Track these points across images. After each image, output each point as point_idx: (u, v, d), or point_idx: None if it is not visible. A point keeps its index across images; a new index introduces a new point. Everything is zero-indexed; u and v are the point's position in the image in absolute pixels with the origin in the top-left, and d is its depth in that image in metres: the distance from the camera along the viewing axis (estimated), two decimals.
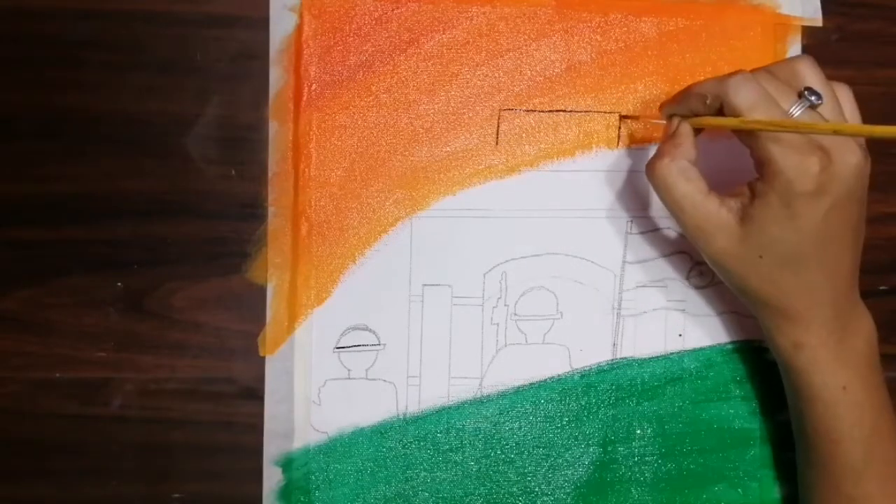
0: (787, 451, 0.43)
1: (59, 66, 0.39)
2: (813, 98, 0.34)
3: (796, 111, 0.34)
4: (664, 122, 0.39)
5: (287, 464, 0.40)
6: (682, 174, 0.36)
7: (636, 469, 0.43)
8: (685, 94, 0.37)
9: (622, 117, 0.42)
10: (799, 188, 0.34)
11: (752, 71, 0.36)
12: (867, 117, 0.39)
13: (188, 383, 0.40)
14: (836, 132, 0.33)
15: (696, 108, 0.37)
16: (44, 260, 0.39)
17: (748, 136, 0.35)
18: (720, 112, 0.36)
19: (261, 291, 0.40)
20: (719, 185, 0.37)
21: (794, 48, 0.43)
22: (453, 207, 0.41)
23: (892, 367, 0.44)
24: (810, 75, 0.35)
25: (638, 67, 0.42)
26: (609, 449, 0.42)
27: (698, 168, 0.37)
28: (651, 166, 0.37)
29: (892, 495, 0.37)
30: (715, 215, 0.36)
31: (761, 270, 0.36)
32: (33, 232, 0.39)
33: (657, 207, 0.43)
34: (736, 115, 0.34)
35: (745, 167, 0.37)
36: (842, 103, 0.36)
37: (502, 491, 0.42)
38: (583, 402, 0.42)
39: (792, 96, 0.35)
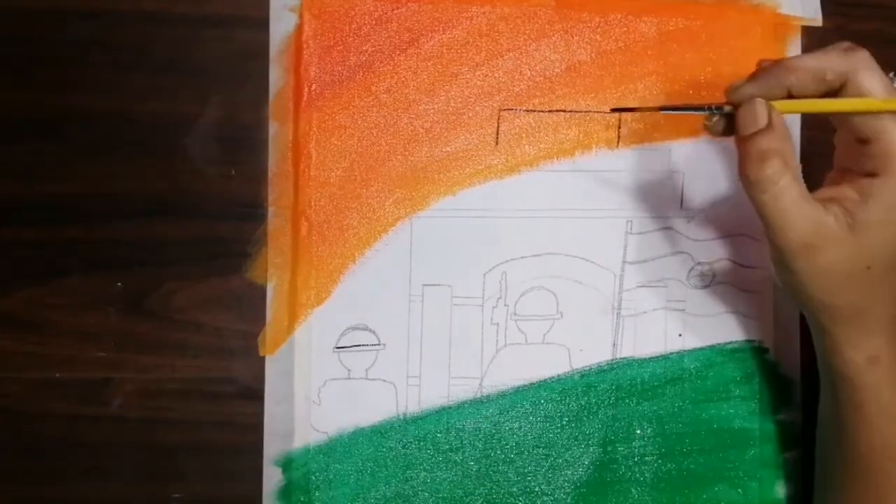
0: (787, 451, 0.43)
1: (59, 66, 0.39)
2: None
3: None
4: (662, 111, 0.36)
5: (287, 464, 0.40)
6: (795, 177, 0.31)
7: (636, 469, 0.43)
8: (781, 69, 0.32)
9: (613, 110, 0.39)
10: None
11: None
12: None
13: (188, 383, 0.40)
14: None
15: (802, 85, 0.31)
16: (44, 260, 0.39)
17: (873, 126, 0.31)
18: (831, 94, 0.31)
19: (261, 291, 0.40)
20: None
21: (794, 48, 0.43)
22: (453, 207, 0.41)
23: None
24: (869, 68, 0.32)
25: (638, 67, 0.42)
26: (609, 449, 0.42)
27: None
28: (758, 169, 0.31)
29: None
30: (824, 224, 0.31)
31: (864, 282, 0.32)
32: (33, 232, 0.39)
33: (657, 207, 0.43)
34: (862, 97, 0.30)
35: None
36: None
37: (502, 491, 0.42)
38: (583, 402, 0.42)
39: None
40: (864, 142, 0.31)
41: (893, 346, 0.34)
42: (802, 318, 0.43)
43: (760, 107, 0.31)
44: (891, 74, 0.31)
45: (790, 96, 0.32)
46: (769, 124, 0.31)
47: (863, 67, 0.30)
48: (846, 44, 0.31)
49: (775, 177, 0.31)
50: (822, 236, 0.31)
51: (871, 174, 0.31)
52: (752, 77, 0.33)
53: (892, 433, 0.35)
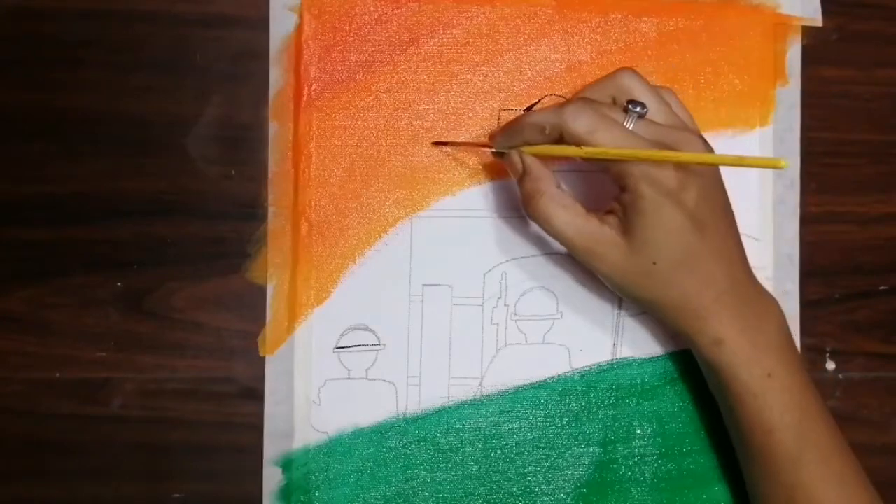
0: None
1: (59, 66, 0.39)
2: (638, 109, 0.35)
3: (629, 125, 0.35)
4: (486, 148, 0.39)
5: (287, 464, 0.40)
6: (558, 204, 0.37)
7: (636, 469, 0.43)
8: (517, 125, 0.37)
9: (435, 144, 0.41)
10: (663, 188, 0.35)
11: (577, 93, 0.37)
12: (867, 117, 0.39)
13: (188, 383, 0.40)
14: (671, 159, 0.34)
15: (532, 138, 0.37)
16: (44, 260, 0.39)
17: (598, 159, 0.35)
18: (559, 141, 0.36)
19: (261, 291, 0.40)
20: (593, 205, 0.37)
21: (794, 48, 0.43)
22: (453, 207, 0.41)
23: (893, 367, 0.44)
24: (634, 86, 0.37)
25: (638, 67, 0.42)
26: (609, 449, 0.42)
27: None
28: (528, 208, 0.37)
29: (830, 478, 0.37)
30: (599, 234, 0.36)
31: (659, 276, 0.36)
32: (33, 232, 0.39)
33: None
34: (577, 142, 0.35)
35: (606, 183, 0.37)
36: (671, 106, 0.37)
37: (502, 491, 0.42)
38: (583, 402, 0.42)
39: (619, 113, 0.36)
40: (605, 169, 0.36)
41: (731, 327, 0.37)
42: (802, 317, 0.43)
43: (515, 157, 0.38)
44: (628, 105, 0.35)
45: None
46: (524, 170, 0.37)
47: (570, 116, 0.35)
48: (573, 98, 0.37)
49: (540, 210, 0.37)
50: (600, 243, 0.36)
51: (622, 189, 0.36)
52: (502, 131, 0.39)
53: (759, 408, 0.37)
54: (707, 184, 0.36)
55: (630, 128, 0.35)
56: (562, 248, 0.41)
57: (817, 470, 0.37)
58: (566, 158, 0.39)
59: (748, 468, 0.39)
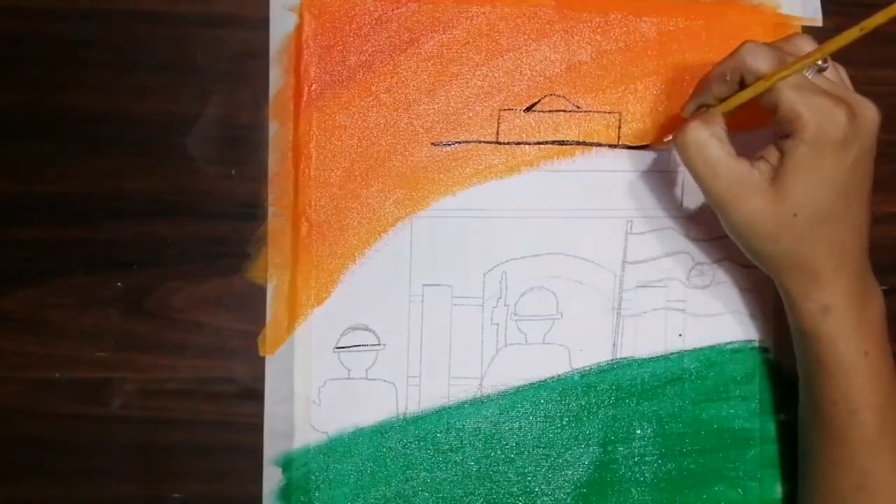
0: (787, 451, 0.43)
1: (59, 66, 0.39)
2: (820, 62, 0.35)
3: (808, 75, 0.35)
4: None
5: (287, 464, 0.40)
6: (715, 136, 0.36)
7: (636, 469, 0.43)
8: (703, 84, 0.38)
9: (630, 148, 0.42)
10: (830, 137, 0.34)
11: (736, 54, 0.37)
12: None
13: (188, 383, 0.40)
14: (862, 30, 0.34)
15: (720, 91, 0.37)
16: (44, 260, 0.39)
17: (775, 98, 0.35)
18: (741, 87, 0.36)
19: (261, 291, 0.40)
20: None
21: None
22: (453, 207, 0.41)
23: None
24: (812, 48, 0.37)
25: (638, 67, 0.42)
26: (609, 449, 0.42)
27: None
28: (682, 130, 0.37)
29: None
30: (748, 176, 0.36)
31: (794, 230, 0.36)
32: (33, 232, 0.39)
33: (657, 207, 0.43)
34: (759, 78, 0.35)
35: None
36: (841, 74, 0.38)
37: (502, 491, 0.42)
38: (583, 402, 0.42)
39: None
40: (773, 111, 0.36)
41: (842, 297, 0.37)
42: None
43: (691, 106, 0.39)
44: (820, 63, 0.36)
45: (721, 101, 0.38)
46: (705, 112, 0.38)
47: (747, 56, 0.36)
48: (745, 41, 0.37)
49: (696, 135, 0.36)
50: (745, 186, 0.36)
51: (785, 135, 0.35)
52: (692, 95, 0.39)
53: (849, 386, 0.37)
54: (866, 148, 0.35)
55: (809, 77, 0.35)
56: (562, 249, 0.41)
57: (893, 457, 0.37)
58: (745, 105, 0.38)
59: (819, 449, 0.39)
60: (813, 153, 0.35)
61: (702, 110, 0.38)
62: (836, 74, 0.37)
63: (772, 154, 0.36)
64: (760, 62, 0.35)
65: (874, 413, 0.37)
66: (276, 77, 0.40)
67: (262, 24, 0.40)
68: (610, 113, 0.42)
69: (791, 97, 0.35)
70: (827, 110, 0.34)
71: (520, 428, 0.42)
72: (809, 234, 0.36)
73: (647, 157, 0.43)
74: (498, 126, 0.42)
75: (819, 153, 0.35)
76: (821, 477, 0.39)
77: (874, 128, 0.35)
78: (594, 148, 0.42)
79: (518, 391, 0.42)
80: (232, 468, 0.40)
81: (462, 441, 0.42)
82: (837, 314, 0.37)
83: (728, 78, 0.36)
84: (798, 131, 0.35)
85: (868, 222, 0.38)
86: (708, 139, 0.36)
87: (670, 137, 0.41)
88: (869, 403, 0.37)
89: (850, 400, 0.37)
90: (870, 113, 0.35)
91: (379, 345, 0.41)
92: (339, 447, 0.41)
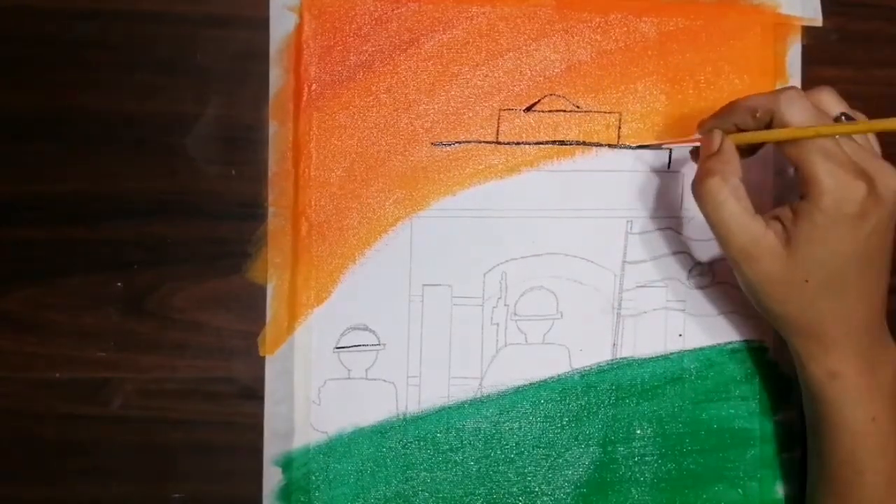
0: (787, 451, 0.43)
1: (60, 66, 0.39)
2: (845, 120, 0.35)
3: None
4: (692, 143, 0.39)
5: (287, 464, 0.40)
6: (734, 193, 0.35)
7: (636, 469, 0.43)
8: (731, 108, 0.37)
9: (638, 147, 0.42)
10: (845, 209, 0.34)
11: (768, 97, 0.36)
12: (867, 116, 0.39)
13: (188, 383, 0.40)
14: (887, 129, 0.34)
15: (743, 121, 0.36)
16: (44, 260, 0.39)
17: (796, 154, 0.35)
18: (767, 127, 0.36)
19: (261, 291, 0.40)
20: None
21: (794, 48, 0.43)
22: (453, 207, 0.41)
23: None
24: (837, 102, 0.36)
25: (638, 67, 0.42)
26: (609, 449, 0.42)
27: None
28: (701, 184, 0.36)
29: None
30: (762, 237, 0.35)
31: (804, 295, 0.36)
32: (33, 232, 0.39)
33: (657, 207, 0.43)
34: (785, 127, 0.35)
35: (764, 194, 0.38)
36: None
37: (502, 491, 0.42)
38: (583, 402, 0.42)
39: (829, 119, 0.35)
40: (795, 168, 0.35)
41: (851, 364, 0.36)
42: None
43: (717, 135, 0.37)
44: (841, 116, 0.35)
45: (740, 130, 0.37)
46: (719, 150, 0.37)
47: (785, 102, 0.35)
48: (788, 87, 0.36)
49: (714, 191, 0.35)
50: (759, 247, 0.35)
51: (802, 196, 0.35)
52: (714, 114, 0.38)
53: (855, 449, 0.37)
54: (885, 218, 0.35)
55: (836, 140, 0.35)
56: (562, 249, 0.41)
57: None
58: (755, 151, 0.38)
59: (825, 498, 0.39)
60: (828, 222, 0.34)
61: (716, 136, 0.37)
62: (864, 137, 0.36)
63: (786, 215, 0.35)
64: (795, 114, 0.34)
65: (881, 476, 0.37)
66: (276, 77, 0.40)
67: (262, 24, 0.40)
68: (610, 113, 0.42)
69: (814, 161, 0.34)
70: (846, 183, 0.34)
71: (520, 428, 0.42)
72: (819, 300, 0.36)
73: (648, 157, 0.43)
74: (498, 126, 0.42)
75: (833, 223, 0.34)
76: None
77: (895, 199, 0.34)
78: (594, 148, 0.42)
79: (518, 391, 0.42)
80: (232, 468, 0.40)
81: (462, 441, 0.42)
82: (844, 380, 0.36)
83: (757, 115, 0.36)
84: (815, 197, 0.34)
85: (885, 288, 0.37)
86: (727, 198, 0.35)
87: (669, 141, 0.42)
88: (875, 467, 0.37)
89: (856, 462, 0.37)
90: (892, 182, 0.34)
91: (379, 345, 0.41)
92: (339, 447, 0.41)
